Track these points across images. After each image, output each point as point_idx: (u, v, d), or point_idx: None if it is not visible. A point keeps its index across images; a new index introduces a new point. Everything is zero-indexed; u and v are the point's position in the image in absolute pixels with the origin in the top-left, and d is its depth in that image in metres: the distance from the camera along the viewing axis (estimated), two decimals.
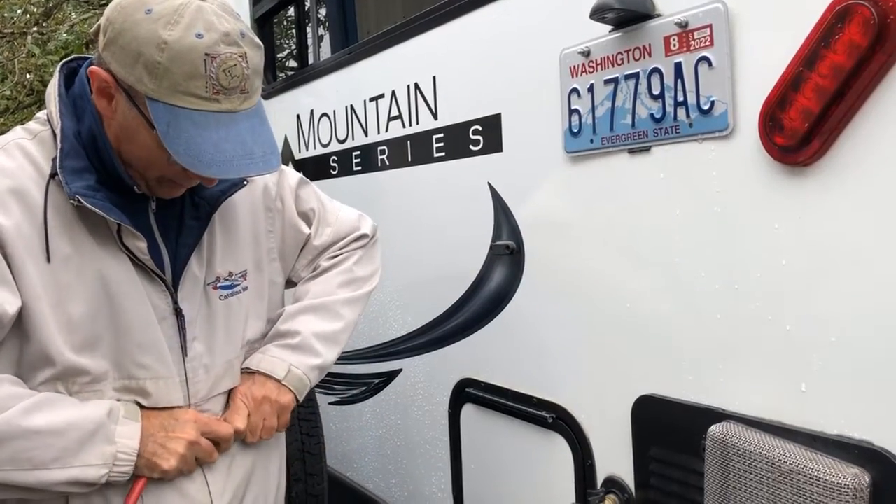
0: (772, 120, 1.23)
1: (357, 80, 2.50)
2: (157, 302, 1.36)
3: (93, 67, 1.25)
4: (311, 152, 2.82)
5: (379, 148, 2.39)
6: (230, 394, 1.47)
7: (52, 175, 1.26)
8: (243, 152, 1.23)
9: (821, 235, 1.20)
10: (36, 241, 1.25)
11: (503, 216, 1.89)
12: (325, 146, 2.73)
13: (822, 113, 1.15)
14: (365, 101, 2.44)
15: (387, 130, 2.34)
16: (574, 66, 1.61)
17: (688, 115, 1.38)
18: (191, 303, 1.40)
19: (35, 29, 7.83)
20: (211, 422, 1.39)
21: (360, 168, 2.51)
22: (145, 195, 1.36)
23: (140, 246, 1.32)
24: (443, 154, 2.09)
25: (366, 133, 2.46)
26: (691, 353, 1.43)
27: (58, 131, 1.28)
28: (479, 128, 1.95)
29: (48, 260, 1.25)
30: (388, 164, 2.35)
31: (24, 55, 7.54)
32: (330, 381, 2.75)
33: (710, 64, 1.33)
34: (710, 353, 1.39)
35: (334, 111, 2.65)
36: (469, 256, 2.00)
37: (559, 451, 1.74)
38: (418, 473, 2.34)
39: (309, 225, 1.63)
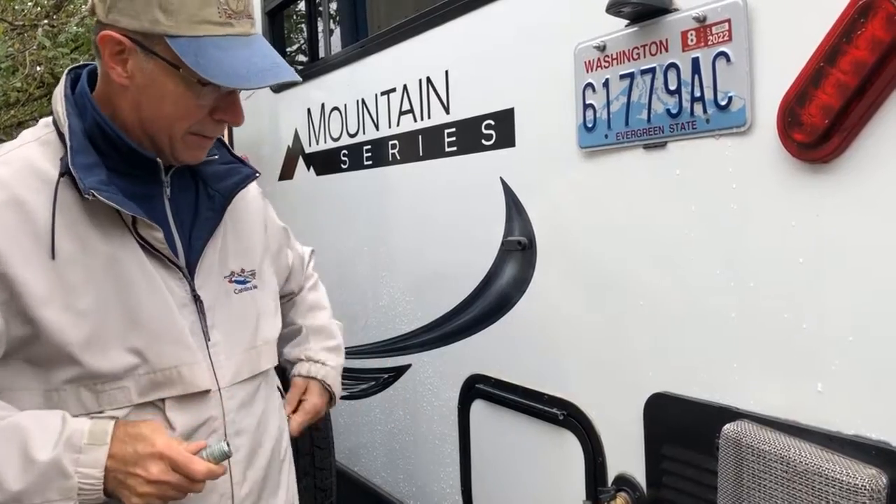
0: (791, 116, 1.21)
1: (368, 74, 2.48)
2: (174, 289, 1.36)
3: (103, 32, 1.25)
4: (322, 146, 2.81)
5: (390, 142, 2.38)
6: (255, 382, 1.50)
7: (62, 174, 1.27)
8: (272, 63, 1.28)
9: (839, 233, 1.19)
10: (38, 246, 1.25)
11: (515, 211, 1.88)
12: (335, 140, 2.72)
13: (842, 109, 1.14)
14: (376, 95, 2.43)
15: (398, 125, 2.33)
16: (589, 61, 1.60)
17: (705, 111, 1.37)
18: (208, 291, 1.41)
19: (46, 21, 7.83)
20: (182, 460, 1.24)
21: (370, 162, 2.51)
22: (159, 181, 1.38)
23: (156, 235, 1.32)
24: (455, 149, 2.08)
25: (377, 127, 2.45)
26: (705, 350, 1.42)
27: (66, 130, 1.29)
28: (492, 122, 1.94)
29: (53, 258, 1.25)
30: (399, 158, 2.34)
31: (34, 47, 7.55)
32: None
33: (728, 59, 1.32)
34: (724, 351, 1.38)
35: (345, 105, 2.64)
36: (480, 252, 1.99)
37: (570, 448, 1.73)
38: (427, 469, 2.34)
39: (289, 247, 1.76)
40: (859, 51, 1.10)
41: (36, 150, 1.32)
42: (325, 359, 1.76)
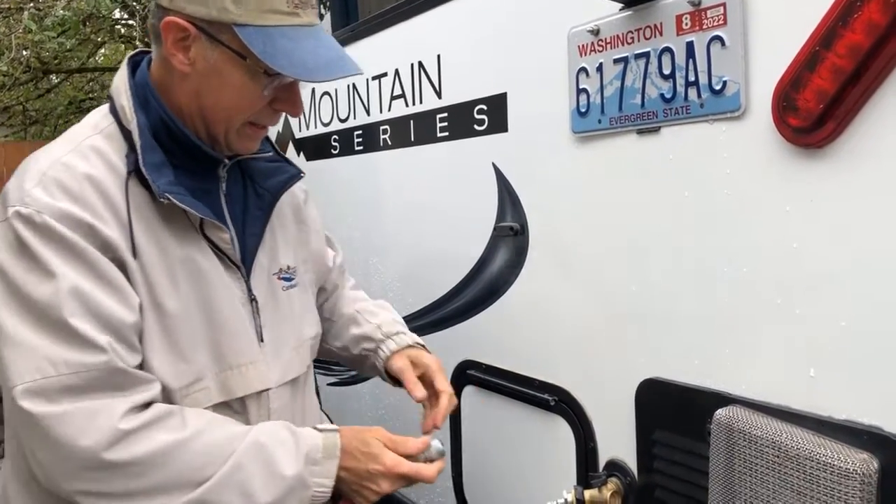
0: (786, 100, 1.21)
1: (359, 59, 2.45)
2: (235, 289, 1.37)
3: (167, 18, 1.24)
4: (312, 131, 2.79)
5: (381, 127, 2.36)
6: (296, 382, 1.51)
7: (129, 172, 1.26)
8: (337, 55, 1.28)
9: (833, 219, 1.19)
10: (126, 243, 1.24)
11: (507, 197, 1.87)
12: (326, 125, 2.70)
13: (837, 94, 1.13)
14: (367, 80, 2.41)
15: (389, 110, 2.31)
16: (583, 45, 1.59)
17: (699, 96, 1.36)
18: (260, 289, 1.42)
19: (31, 4, 7.74)
20: (413, 474, 1.33)
21: (361, 148, 2.49)
22: (216, 176, 1.38)
23: (223, 237, 1.34)
24: (447, 134, 2.07)
25: (368, 112, 2.43)
26: (697, 336, 1.41)
27: (133, 127, 1.27)
28: (485, 107, 1.92)
29: (135, 258, 1.25)
30: (390, 143, 2.33)
31: (20, 31, 7.46)
32: (329, 362, 2.73)
33: (723, 43, 1.31)
34: (716, 337, 1.38)
35: (336, 90, 2.61)
36: (472, 238, 1.98)
37: (561, 434, 1.73)
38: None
39: (330, 247, 1.75)
40: (855, 34, 1.09)
41: (103, 143, 1.29)
42: (401, 327, 1.71)
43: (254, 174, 1.46)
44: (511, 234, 1.85)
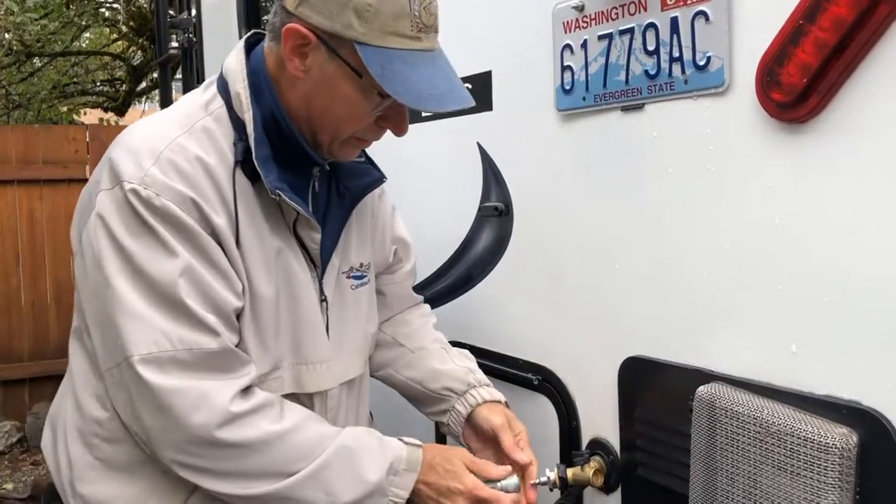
0: (769, 75, 1.20)
1: None
2: (311, 288, 1.41)
3: (289, 25, 1.23)
4: None
5: None
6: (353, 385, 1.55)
7: (237, 163, 1.28)
8: (451, 87, 1.29)
9: (814, 194, 1.18)
10: (231, 229, 1.28)
11: (492, 176, 1.86)
12: None
13: (820, 68, 1.13)
14: None
15: None
16: (568, 22, 1.58)
17: (683, 72, 1.35)
18: (329, 288, 1.45)
19: None
20: (492, 500, 1.35)
21: None
22: (309, 173, 1.40)
23: (314, 236, 1.37)
24: (430, 113, 2.05)
25: None
26: (680, 313, 1.41)
27: (248, 118, 1.29)
28: (469, 85, 1.90)
29: (238, 247, 1.28)
30: None
31: (1, 12, 7.36)
32: None
33: (707, 18, 1.30)
34: (698, 314, 1.38)
35: None
36: (457, 218, 1.97)
37: (545, 413, 1.73)
38: (401, 436, 2.33)
39: (396, 252, 1.72)
40: (839, 7, 1.08)
41: (214, 125, 1.31)
42: (481, 376, 1.63)
43: (339, 171, 1.47)
44: (496, 214, 1.85)
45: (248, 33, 1.42)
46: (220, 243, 1.26)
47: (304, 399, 1.41)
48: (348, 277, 1.51)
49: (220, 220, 1.26)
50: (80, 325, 1.37)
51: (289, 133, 1.32)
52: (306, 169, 1.40)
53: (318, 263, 1.42)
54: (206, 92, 1.36)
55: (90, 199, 1.28)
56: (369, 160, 1.56)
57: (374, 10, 1.19)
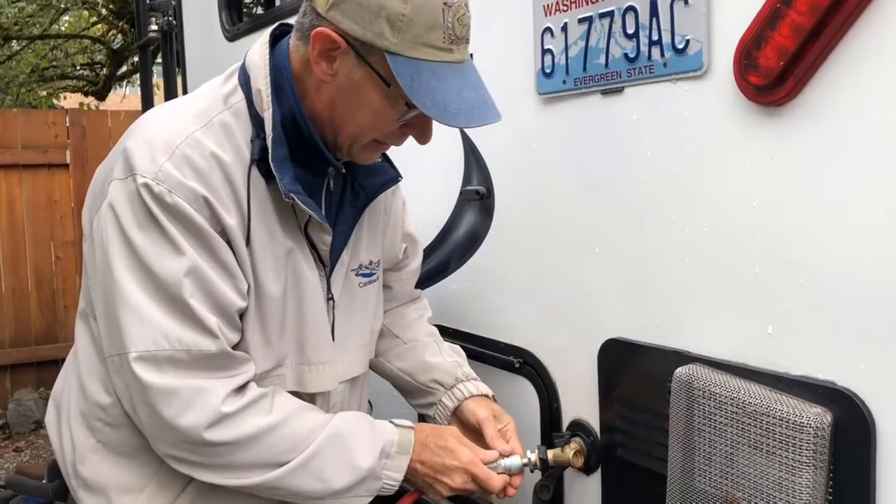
0: (747, 58, 1.21)
1: None
2: (319, 288, 1.40)
3: (319, 29, 1.21)
4: None
5: None
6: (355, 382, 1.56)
7: (253, 161, 1.27)
8: (480, 100, 1.26)
9: (792, 177, 1.19)
10: (242, 226, 1.27)
11: (473, 160, 1.86)
12: None
13: (797, 51, 1.13)
14: None
15: None
16: (548, 5, 1.57)
17: (662, 55, 1.36)
18: (337, 288, 1.44)
19: None
20: (483, 476, 1.39)
21: None
22: (324, 173, 1.39)
23: (325, 239, 1.36)
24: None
25: None
26: (659, 296, 1.43)
27: (267, 116, 1.27)
28: None
29: (248, 245, 1.28)
30: None
31: None
32: None
33: (685, 2, 1.30)
34: (677, 297, 1.39)
35: None
36: (438, 202, 1.97)
37: (526, 395, 1.75)
38: (384, 419, 2.34)
39: (405, 249, 1.72)
40: None
41: (232, 120, 1.29)
42: (469, 371, 1.65)
43: (355, 169, 1.45)
44: (477, 197, 1.85)
45: (274, 25, 1.40)
46: (229, 242, 1.26)
47: (305, 398, 1.41)
48: (357, 275, 1.51)
49: (231, 219, 1.25)
50: (86, 307, 1.37)
51: (308, 135, 1.31)
52: (322, 168, 1.39)
53: (328, 263, 1.42)
54: (227, 83, 1.34)
55: (103, 185, 1.28)
56: (385, 157, 1.54)
57: (408, 21, 1.17)
